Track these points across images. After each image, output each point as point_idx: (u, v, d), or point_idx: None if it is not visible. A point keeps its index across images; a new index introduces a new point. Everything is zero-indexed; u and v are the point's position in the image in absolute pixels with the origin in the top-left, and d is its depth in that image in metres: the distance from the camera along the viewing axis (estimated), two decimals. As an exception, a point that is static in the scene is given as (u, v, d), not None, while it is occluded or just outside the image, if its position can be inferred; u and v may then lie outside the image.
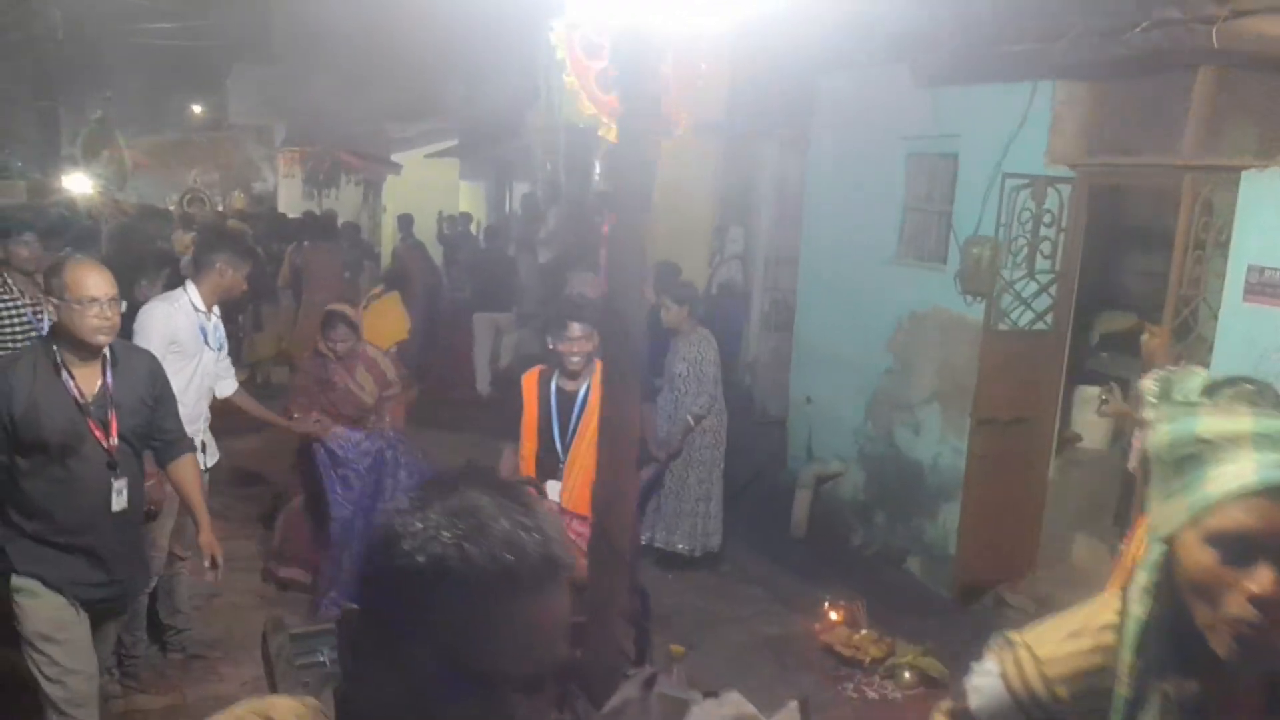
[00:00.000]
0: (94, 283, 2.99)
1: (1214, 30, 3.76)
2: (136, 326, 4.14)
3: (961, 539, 5.57)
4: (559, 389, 3.97)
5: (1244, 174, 4.21)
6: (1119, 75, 4.97)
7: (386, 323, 7.15)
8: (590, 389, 3.93)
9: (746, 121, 7.65)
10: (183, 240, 10.04)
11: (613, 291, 2.71)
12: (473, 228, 13.93)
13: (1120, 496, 5.49)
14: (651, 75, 2.56)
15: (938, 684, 4.53)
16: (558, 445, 3.94)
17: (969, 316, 5.66)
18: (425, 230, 13.20)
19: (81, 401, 3.07)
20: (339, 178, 15.82)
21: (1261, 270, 4.07)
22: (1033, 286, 5.56)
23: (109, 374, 3.15)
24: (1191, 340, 4.43)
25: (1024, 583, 5.51)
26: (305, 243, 10.03)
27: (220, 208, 16.83)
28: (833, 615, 4.97)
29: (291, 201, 17.67)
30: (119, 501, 3.22)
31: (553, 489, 3.87)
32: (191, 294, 4.36)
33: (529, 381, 4.03)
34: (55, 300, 2.99)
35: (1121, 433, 5.43)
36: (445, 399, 9.26)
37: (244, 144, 21.88)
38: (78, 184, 13.46)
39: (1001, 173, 5.41)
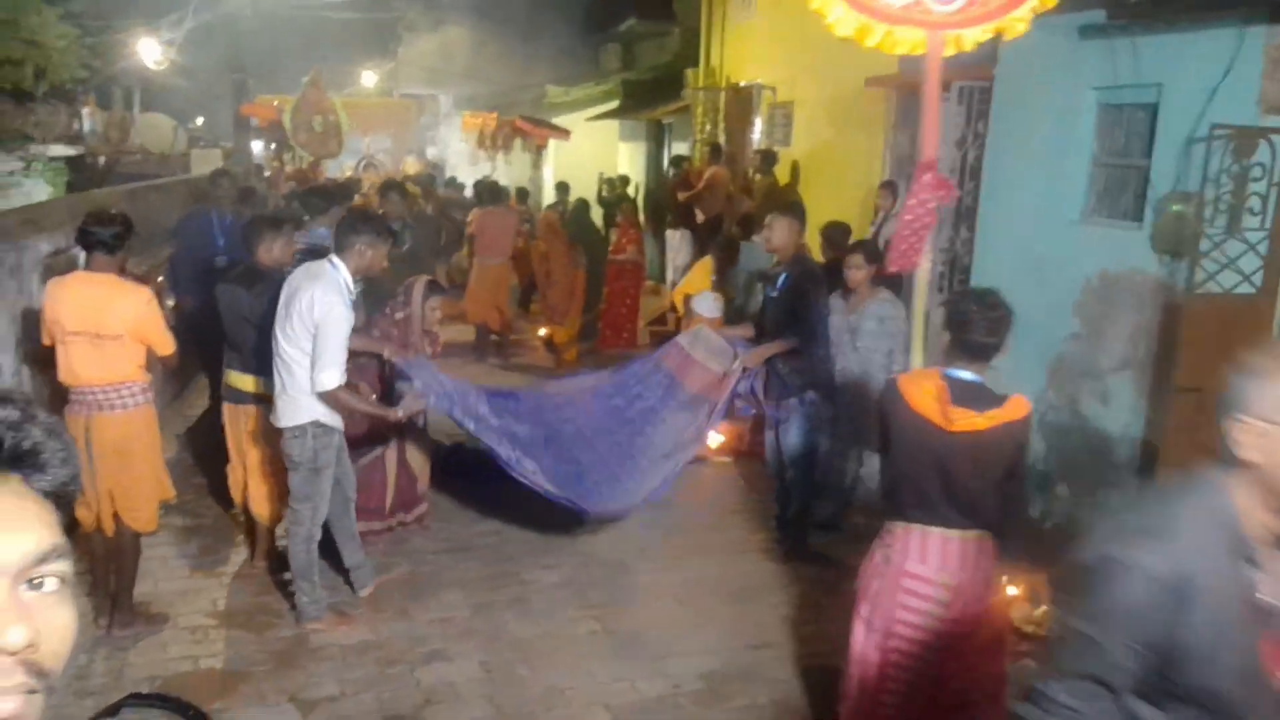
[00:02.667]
0: None
1: None
2: (325, 317, 4.20)
3: (1154, 514, 5.27)
4: None
5: None
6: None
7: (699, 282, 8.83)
8: None
9: (920, 72, 7.33)
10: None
11: None
12: (630, 190, 14.05)
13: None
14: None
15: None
16: None
17: (1166, 279, 5.31)
18: (588, 191, 13.39)
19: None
20: (511, 143, 16.14)
21: None
22: (1238, 246, 5.17)
23: None
24: None
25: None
26: (477, 209, 10.47)
27: (391, 173, 17.48)
28: (1012, 591, 4.80)
29: (461, 167, 18.24)
30: None
31: None
32: (344, 273, 4.34)
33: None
34: None
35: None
36: (608, 352, 9.96)
37: (412, 110, 22.63)
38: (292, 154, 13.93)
39: (1208, 124, 5.02)
